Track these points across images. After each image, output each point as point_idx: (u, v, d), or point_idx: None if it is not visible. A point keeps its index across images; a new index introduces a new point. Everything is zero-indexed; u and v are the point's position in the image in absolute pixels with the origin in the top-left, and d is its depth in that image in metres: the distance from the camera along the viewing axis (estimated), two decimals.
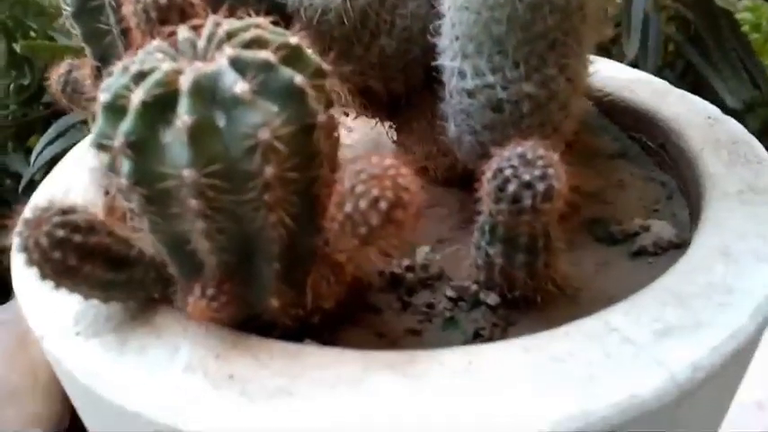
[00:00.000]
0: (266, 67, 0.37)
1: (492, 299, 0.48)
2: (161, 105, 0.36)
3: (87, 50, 0.54)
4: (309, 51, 0.40)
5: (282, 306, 0.43)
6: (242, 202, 0.37)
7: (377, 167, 0.36)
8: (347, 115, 0.72)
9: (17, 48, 0.96)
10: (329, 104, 0.40)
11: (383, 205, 0.36)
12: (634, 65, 1.00)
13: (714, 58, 0.83)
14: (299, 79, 0.37)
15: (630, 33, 0.98)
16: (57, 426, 0.63)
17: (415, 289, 0.50)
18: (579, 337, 0.41)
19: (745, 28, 0.96)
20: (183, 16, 0.44)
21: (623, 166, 0.65)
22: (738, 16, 0.96)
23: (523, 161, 0.42)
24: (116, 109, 0.37)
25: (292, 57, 0.39)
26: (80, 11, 0.51)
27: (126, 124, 0.36)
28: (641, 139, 0.67)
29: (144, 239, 0.41)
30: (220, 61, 0.37)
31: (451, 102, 0.52)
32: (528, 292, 0.48)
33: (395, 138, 0.66)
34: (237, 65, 0.37)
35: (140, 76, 0.37)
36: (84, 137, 1.00)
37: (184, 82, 0.36)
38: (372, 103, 0.63)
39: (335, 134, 0.42)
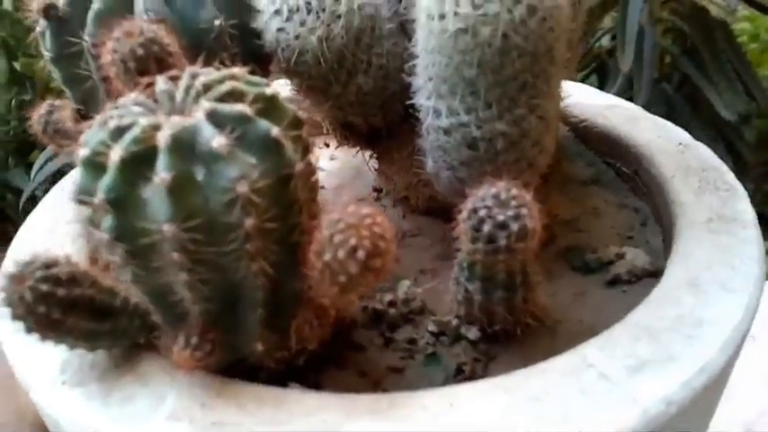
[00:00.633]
0: (243, 119, 0.38)
1: (473, 333, 0.49)
2: (139, 161, 0.37)
3: (68, 93, 0.54)
4: (285, 101, 0.41)
5: (267, 350, 0.43)
6: (223, 253, 0.38)
7: (353, 216, 0.37)
8: (328, 146, 0.73)
9: (17, 66, 0.97)
10: (306, 152, 0.41)
11: (361, 254, 0.36)
12: (629, 78, 1.00)
13: (710, 71, 0.85)
14: (275, 131, 0.38)
15: (625, 46, 0.98)
16: None
17: (398, 324, 0.51)
18: (556, 374, 0.42)
19: (744, 38, 0.97)
20: (162, 66, 0.45)
21: (597, 193, 0.67)
22: (737, 26, 0.96)
23: (497, 202, 0.44)
24: (95, 165, 0.37)
25: (268, 108, 0.40)
26: (59, 56, 0.52)
27: (105, 181, 0.37)
28: (616, 165, 0.68)
29: (127, 289, 0.41)
30: (197, 115, 0.38)
31: (428, 138, 0.53)
32: (508, 326, 0.49)
33: (376, 166, 0.67)
34: (214, 118, 0.38)
35: (118, 132, 0.38)
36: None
37: (162, 138, 0.37)
38: (353, 134, 0.64)
39: (314, 179, 0.42)
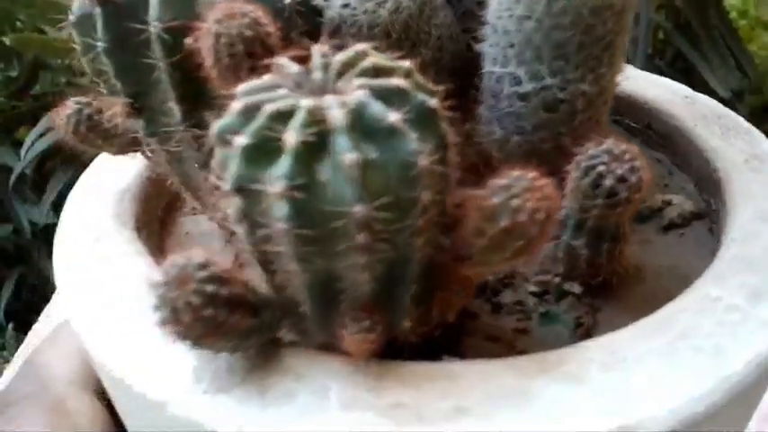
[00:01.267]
0: (402, 93, 0.37)
1: (576, 288, 0.51)
2: (315, 144, 0.35)
3: (118, 87, 0.50)
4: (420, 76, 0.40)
5: (413, 326, 0.43)
6: (401, 229, 0.37)
7: (524, 180, 0.38)
8: None
9: (6, 40, 0.88)
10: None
11: (541, 216, 0.37)
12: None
13: (703, 47, 0.90)
14: (433, 102, 0.38)
15: None
16: None
17: (498, 289, 0.52)
18: (690, 313, 0.44)
19: (733, 14, 1.02)
20: (265, 48, 0.43)
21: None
22: (726, 2, 1.01)
23: (612, 157, 0.46)
24: (265, 151, 0.35)
25: (415, 81, 0.39)
26: (117, 46, 0.47)
27: (283, 167, 0.35)
28: (623, 122, 0.73)
29: (283, 281, 0.39)
30: (358, 93, 0.37)
31: (498, 106, 0.54)
32: (608, 277, 0.51)
33: None
34: (377, 94, 0.37)
35: (280, 116, 0.36)
36: None
37: (335, 118, 0.35)
38: None
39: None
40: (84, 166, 0.67)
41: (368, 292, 0.39)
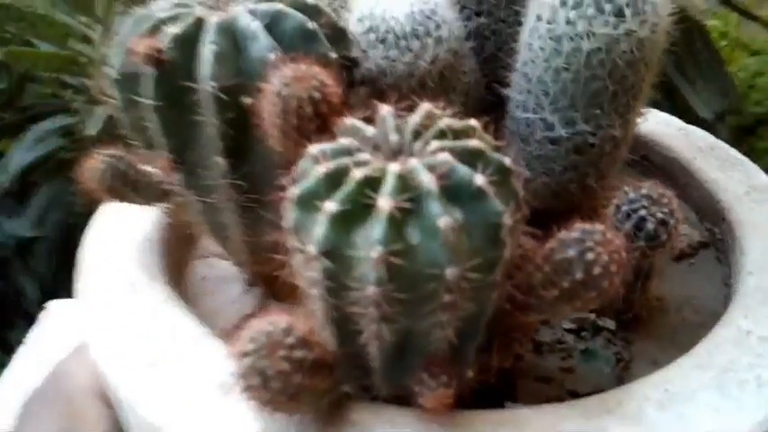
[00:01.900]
0: (480, 154, 0.39)
1: (610, 323, 0.53)
2: (408, 209, 0.36)
3: (162, 142, 0.49)
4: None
5: (475, 374, 0.44)
6: (484, 287, 0.38)
7: (597, 234, 0.40)
8: None
9: None
10: None
11: (614, 269, 0.39)
12: None
13: (687, 70, 0.93)
14: (508, 161, 0.39)
15: None
16: None
17: (537, 328, 0.54)
18: (729, 345, 0.47)
19: (713, 35, 1.04)
20: (330, 108, 0.43)
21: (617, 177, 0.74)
22: (707, 24, 1.03)
23: (652, 201, 0.48)
24: (355, 216, 0.36)
25: (486, 141, 0.40)
26: (166, 104, 0.47)
27: (378, 232, 0.35)
28: None
29: (334, 340, 0.40)
30: (442, 156, 0.37)
31: (527, 149, 0.56)
32: (638, 311, 0.54)
33: None
34: (460, 157, 0.38)
35: (370, 182, 0.36)
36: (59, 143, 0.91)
37: (425, 183, 0.36)
38: None
39: None
40: (70, 180, 0.67)
41: (443, 346, 0.40)
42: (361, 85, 0.54)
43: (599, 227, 0.40)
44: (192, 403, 0.45)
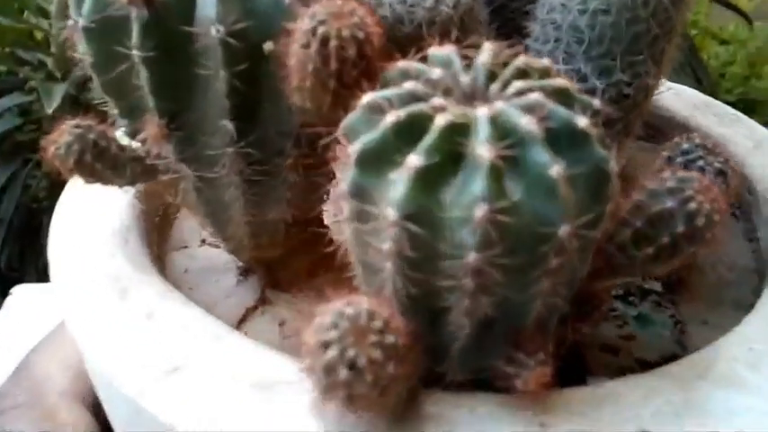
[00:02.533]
0: (568, 94, 0.34)
1: (657, 286, 0.50)
2: (509, 158, 0.30)
3: (152, 105, 0.41)
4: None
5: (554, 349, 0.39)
6: (587, 247, 0.33)
7: (695, 181, 0.36)
8: None
9: None
10: None
11: (717, 219, 0.35)
12: None
13: None
14: (597, 102, 0.35)
15: None
16: None
17: None
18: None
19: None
20: (373, 52, 0.37)
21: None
22: None
23: (706, 151, 0.45)
24: (443, 171, 0.30)
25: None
26: (165, 55, 0.39)
27: (479, 187, 0.30)
28: None
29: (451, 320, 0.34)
30: (533, 96, 0.32)
31: None
32: (683, 273, 0.51)
33: None
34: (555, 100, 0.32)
35: (456, 130, 0.31)
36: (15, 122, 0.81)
37: (526, 127, 0.31)
38: None
39: None
40: (27, 161, 0.57)
41: (534, 319, 0.35)
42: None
43: (694, 174, 0.36)
44: (230, 410, 0.37)
